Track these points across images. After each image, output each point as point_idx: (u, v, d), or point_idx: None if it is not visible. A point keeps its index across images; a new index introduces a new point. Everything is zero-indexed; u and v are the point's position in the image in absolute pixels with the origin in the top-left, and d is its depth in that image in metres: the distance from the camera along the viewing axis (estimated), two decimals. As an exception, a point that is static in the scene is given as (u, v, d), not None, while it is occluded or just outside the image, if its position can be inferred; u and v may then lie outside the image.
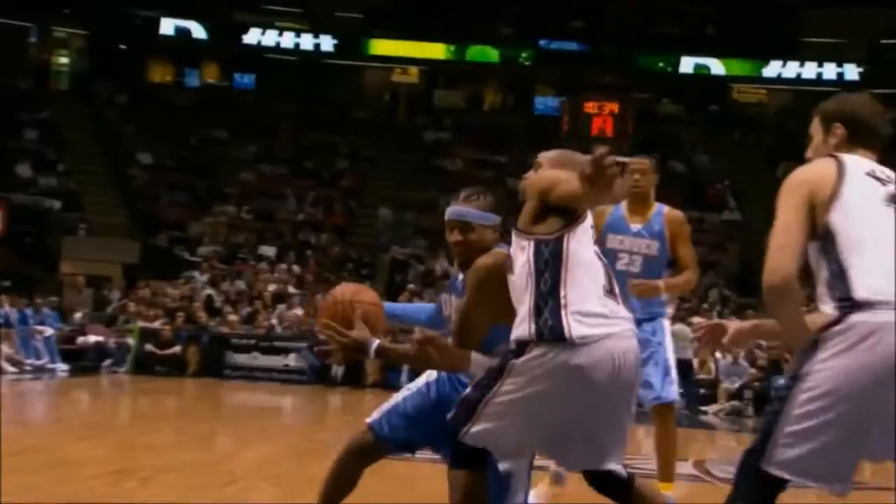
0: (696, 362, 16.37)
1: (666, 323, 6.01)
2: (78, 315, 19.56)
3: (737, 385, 16.18)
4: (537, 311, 3.54)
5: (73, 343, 18.49)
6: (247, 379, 17.40)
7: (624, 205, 5.98)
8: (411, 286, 20.79)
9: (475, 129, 28.88)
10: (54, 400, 14.55)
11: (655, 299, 5.91)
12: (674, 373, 5.96)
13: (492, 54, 29.38)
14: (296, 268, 22.57)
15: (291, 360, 17.78)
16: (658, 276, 5.90)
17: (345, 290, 4.16)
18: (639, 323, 5.67)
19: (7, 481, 5.86)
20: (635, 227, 5.95)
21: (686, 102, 29.62)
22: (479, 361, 3.86)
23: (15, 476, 6.08)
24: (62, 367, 17.21)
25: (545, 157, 3.95)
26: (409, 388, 4.40)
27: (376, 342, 3.94)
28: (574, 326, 3.50)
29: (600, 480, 3.74)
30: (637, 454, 8.53)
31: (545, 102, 29.82)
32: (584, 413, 3.56)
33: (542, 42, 29.09)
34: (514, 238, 3.73)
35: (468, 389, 3.71)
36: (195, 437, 9.81)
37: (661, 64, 29.04)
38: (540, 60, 29.28)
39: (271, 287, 21.13)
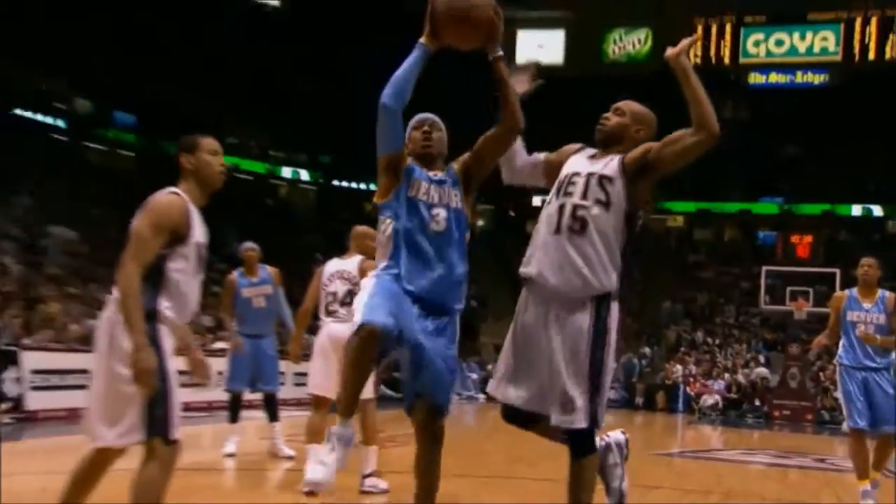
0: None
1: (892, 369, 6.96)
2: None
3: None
4: (618, 269, 3.42)
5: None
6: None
7: (857, 290, 7.18)
8: (682, 349, 26.52)
9: (720, 252, 35.41)
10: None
11: (883, 353, 7.06)
12: None
13: (730, 207, 36.83)
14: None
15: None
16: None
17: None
18: (877, 371, 7.14)
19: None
20: (867, 305, 7.08)
21: (857, 233, 34.83)
22: None
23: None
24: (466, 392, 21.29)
25: (632, 110, 3.65)
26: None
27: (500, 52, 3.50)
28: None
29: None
30: (833, 454, 9.60)
31: (764, 235, 36.01)
32: None
33: (762, 198, 36.62)
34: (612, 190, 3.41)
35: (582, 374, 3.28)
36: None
37: (840, 208, 35.48)
38: (761, 209, 36.55)
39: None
